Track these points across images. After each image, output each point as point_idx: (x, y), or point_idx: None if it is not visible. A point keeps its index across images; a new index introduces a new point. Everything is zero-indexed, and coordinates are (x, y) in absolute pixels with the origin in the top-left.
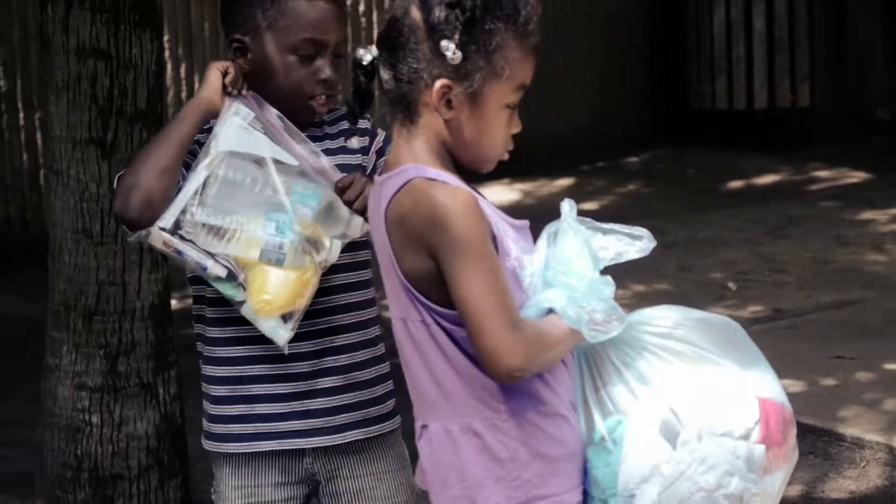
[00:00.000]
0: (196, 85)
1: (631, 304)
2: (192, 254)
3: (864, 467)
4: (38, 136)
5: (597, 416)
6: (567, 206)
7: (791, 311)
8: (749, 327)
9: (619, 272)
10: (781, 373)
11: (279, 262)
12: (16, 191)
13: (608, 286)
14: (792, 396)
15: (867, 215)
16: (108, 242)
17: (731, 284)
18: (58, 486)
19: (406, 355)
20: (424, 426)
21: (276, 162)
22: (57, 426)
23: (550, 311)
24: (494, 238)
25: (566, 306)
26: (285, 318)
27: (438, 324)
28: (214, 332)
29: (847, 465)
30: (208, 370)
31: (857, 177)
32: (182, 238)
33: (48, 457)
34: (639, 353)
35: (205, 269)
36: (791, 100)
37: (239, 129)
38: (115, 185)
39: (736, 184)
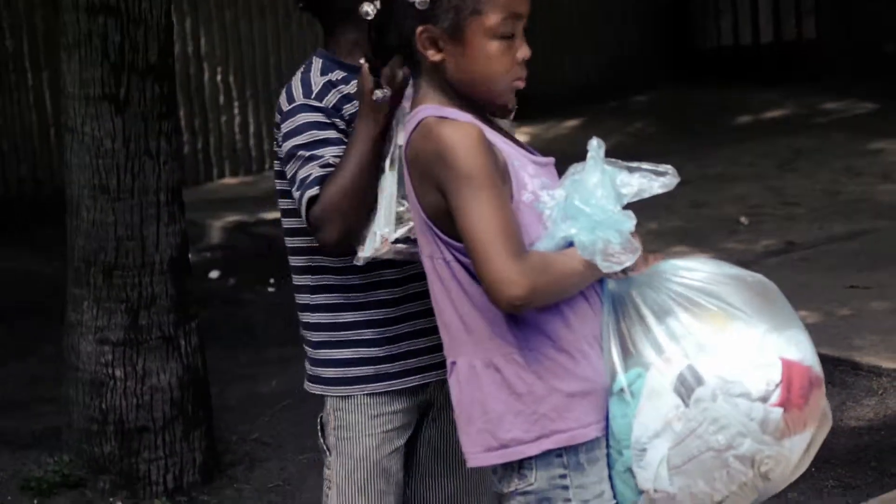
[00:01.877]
0: (202, 40)
1: (645, 242)
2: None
3: (881, 395)
4: (47, 95)
5: (619, 367)
6: (595, 143)
7: (803, 243)
8: (762, 261)
9: (632, 210)
10: (796, 304)
11: None
12: (27, 151)
13: (628, 220)
14: (808, 327)
15: (876, 145)
16: (125, 197)
17: (743, 219)
18: (84, 440)
19: (434, 293)
20: (454, 363)
21: None
22: (81, 381)
23: (571, 244)
24: (508, 172)
25: (580, 234)
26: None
27: (458, 260)
28: (358, 280)
29: (865, 393)
30: (350, 316)
31: (864, 108)
32: (409, 240)
33: (73, 411)
34: (669, 305)
35: None
36: (797, 33)
37: None
38: (303, 208)
39: (744, 119)
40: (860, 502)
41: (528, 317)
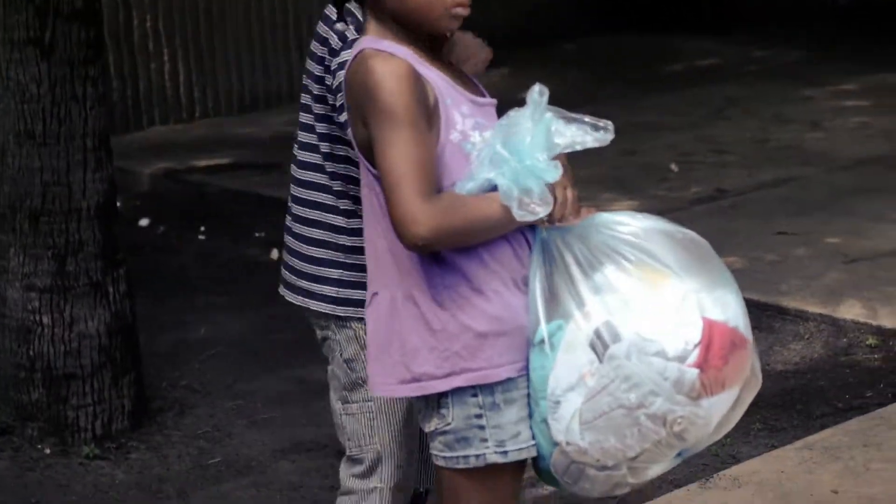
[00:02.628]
0: None
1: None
2: None
3: (807, 339)
4: None
5: (542, 317)
6: (537, 90)
7: (733, 190)
8: (691, 208)
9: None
10: (724, 251)
11: None
12: None
13: (553, 170)
14: (735, 273)
15: (806, 93)
16: (51, 143)
17: (673, 166)
18: (11, 387)
19: (367, 222)
20: (375, 294)
21: None
22: (8, 328)
23: (496, 188)
24: (438, 109)
25: (501, 179)
26: None
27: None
28: None
29: (791, 337)
30: None
31: (795, 56)
32: None
33: (1, 359)
34: (598, 259)
35: None
36: None
37: None
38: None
39: (676, 67)
40: (786, 444)
41: (446, 254)
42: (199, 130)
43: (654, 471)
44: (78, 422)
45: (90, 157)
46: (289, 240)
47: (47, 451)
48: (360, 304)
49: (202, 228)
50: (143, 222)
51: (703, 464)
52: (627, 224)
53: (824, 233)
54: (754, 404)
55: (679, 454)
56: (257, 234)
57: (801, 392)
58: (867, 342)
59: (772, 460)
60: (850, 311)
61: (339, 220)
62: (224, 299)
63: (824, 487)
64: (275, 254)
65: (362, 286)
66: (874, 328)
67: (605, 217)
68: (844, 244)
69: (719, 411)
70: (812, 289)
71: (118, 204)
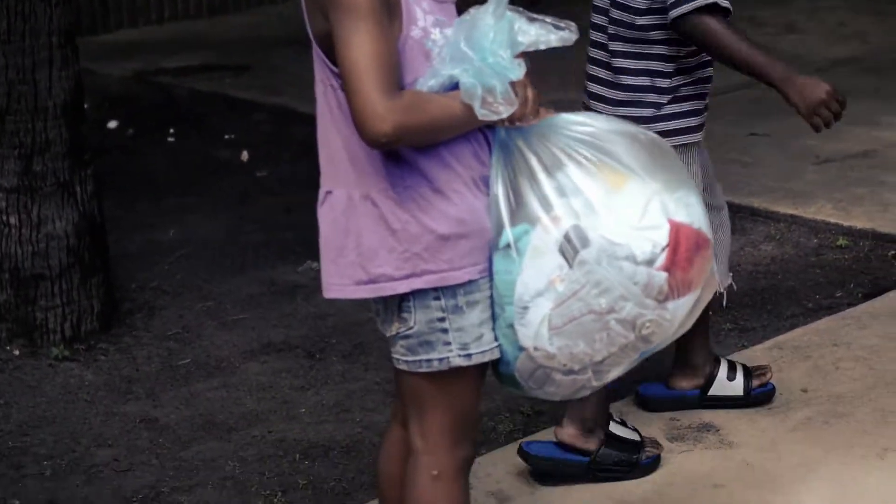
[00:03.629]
0: None
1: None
2: None
3: (778, 240)
4: None
5: (506, 221)
6: None
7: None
8: None
9: (533, 60)
10: None
11: None
12: None
13: (517, 68)
14: None
15: None
16: (15, 40)
17: None
18: None
19: (322, 119)
20: (330, 192)
21: None
22: None
23: (458, 86)
24: (399, 5)
25: (464, 77)
26: None
27: (343, 88)
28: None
29: (762, 238)
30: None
31: None
32: None
33: None
34: (560, 160)
35: None
36: None
37: None
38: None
39: None
40: (756, 344)
41: (406, 154)
42: (168, 32)
43: (616, 372)
44: (47, 323)
45: (56, 54)
46: None
47: (16, 352)
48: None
49: (171, 131)
50: (112, 125)
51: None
52: (588, 125)
53: (796, 134)
54: (724, 305)
55: (640, 354)
56: (227, 136)
57: (772, 292)
58: (837, 243)
59: (742, 360)
60: (821, 211)
61: None
62: (194, 201)
63: (793, 386)
64: (245, 155)
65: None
66: (845, 229)
67: (566, 117)
68: (816, 146)
69: (683, 312)
70: (783, 190)
71: (86, 106)
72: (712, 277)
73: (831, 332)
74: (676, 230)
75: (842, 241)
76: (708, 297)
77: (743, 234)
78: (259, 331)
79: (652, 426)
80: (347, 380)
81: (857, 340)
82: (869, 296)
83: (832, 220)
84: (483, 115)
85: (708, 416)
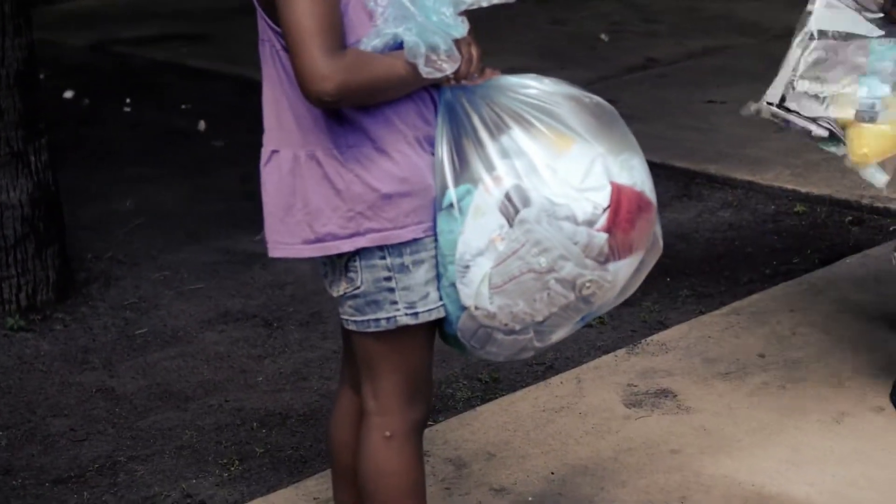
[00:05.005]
0: None
1: (506, 59)
2: (798, 122)
3: (735, 206)
4: None
5: (450, 180)
6: None
7: (663, 59)
8: (622, 77)
9: (492, 27)
10: (654, 119)
11: (872, 120)
12: None
13: (459, 27)
14: (666, 142)
15: None
16: None
17: (603, 36)
18: None
19: (269, 79)
20: (275, 151)
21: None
22: None
23: (402, 45)
24: None
25: (407, 35)
26: (883, 164)
27: (287, 49)
28: None
29: (720, 205)
30: None
31: None
32: (787, 110)
33: None
34: (504, 121)
35: (810, 133)
36: None
37: (827, 7)
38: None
39: None
40: (712, 310)
41: (349, 114)
42: (126, 1)
43: (559, 335)
44: (1, 293)
45: (8, 23)
46: None
47: None
48: None
49: (128, 100)
50: (68, 94)
51: (631, 330)
52: (533, 87)
53: (754, 100)
54: (682, 271)
55: (582, 318)
56: (184, 106)
57: (729, 259)
58: (795, 209)
59: (699, 326)
60: (779, 178)
61: None
62: (150, 171)
63: (750, 352)
64: (202, 125)
65: None
66: (802, 195)
67: (510, 79)
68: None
69: (625, 275)
70: (741, 157)
71: (42, 76)
72: (657, 241)
73: (788, 297)
74: (618, 192)
75: (799, 208)
76: (652, 261)
77: (700, 200)
78: (216, 300)
79: (610, 393)
80: (305, 348)
81: (813, 306)
82: (826, 262)
83: (789, 187)
84: (427, 73)
85: (665, 381)
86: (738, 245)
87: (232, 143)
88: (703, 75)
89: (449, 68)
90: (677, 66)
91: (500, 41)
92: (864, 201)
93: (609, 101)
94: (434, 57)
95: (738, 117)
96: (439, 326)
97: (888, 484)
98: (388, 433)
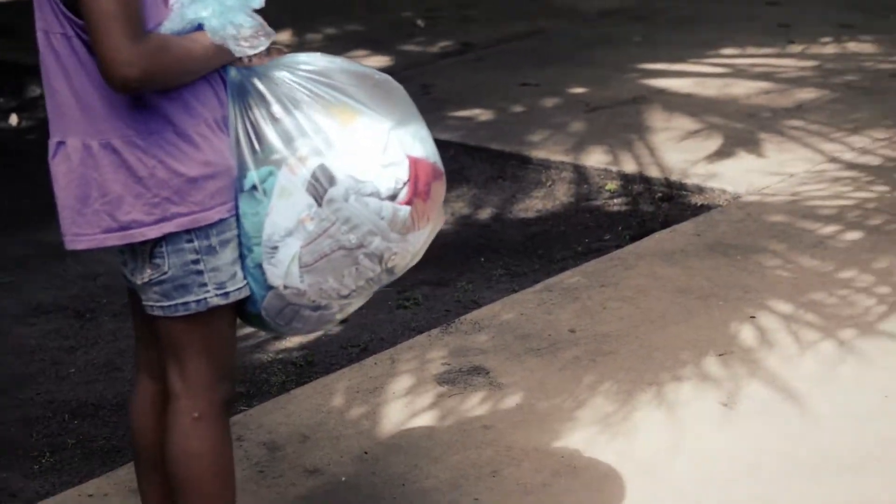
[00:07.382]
0: None
1: (324, 46)
2: None
3: (549, 186)
4: None
5: (249, 162)
6: None
7: (479, 43)
8: (438, 61)
9: (309, 14)
10: (471, 103)
11: None
12: None
13: (256, 1)
14: (482, 125)
15: None
16: None
17: (419, 21)
18: None
19: (48, 69)
20: (62, 143)
21: None
22: None
23: (201, 27)
24: None
25: (210, 19)
26: None
27: (79, 37)
28: None
29: (534, 186)
30: None
31: None
32: None
33: None
34: (297, 98)
35: None
36: None
37: None
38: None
39: None
40: (526, 287)
41: (147, 99)
42: None
43: (356, 304)
44: None
45: None
46: None
47: None
48: None
49: None
50: None
51: (445, 310)
52: (313, 64)
53: (568, 83)
54: (496, 251)
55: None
56: None
57: (543, 238)
58: (607, 187)
59: (512, 303)
60: (592, 157)
61: None
62: None
63: (562, 327)
64: (14, 119)
65: None
66: (614, 174)
67: (298, 57)
68: (587, 94)
69: (420, 242)
70: (556, 138)
71: None
72: (442, 208)
73: (599, 273)
74: (415, 164)
75: (611, 186)
76: (439, 226)
77: (515, 181)
78: (27, 293)
79: (423, 372)
80: (118, 338)
81: (623, 281)
82: (636, 238)
83: (602, 166)
84: (240, 52)
85: (479, 359)
86: (552, 224)
87: (44, 136)
88: (519, 59)
89: (262, 44)
90: (492, 49)
91: (315, 30)
92: (674, 178)
93: (425, 85)
94: (245, 34)
95: (552, 99)
96: (240, 306)
97: (698, 453)
98: (196, 414)
